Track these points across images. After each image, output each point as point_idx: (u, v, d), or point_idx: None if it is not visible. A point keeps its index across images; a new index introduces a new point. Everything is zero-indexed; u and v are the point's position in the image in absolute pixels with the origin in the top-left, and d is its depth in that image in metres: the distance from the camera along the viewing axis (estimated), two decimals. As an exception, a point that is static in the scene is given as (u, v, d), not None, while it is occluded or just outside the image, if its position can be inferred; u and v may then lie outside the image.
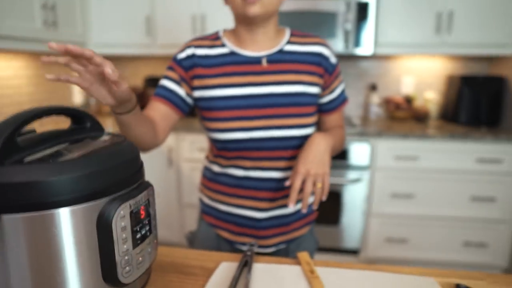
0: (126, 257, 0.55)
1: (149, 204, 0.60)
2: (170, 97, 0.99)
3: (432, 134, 2.23)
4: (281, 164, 1.01)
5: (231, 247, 1.10)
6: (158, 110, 0.98)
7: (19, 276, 0.49)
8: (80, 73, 0.69)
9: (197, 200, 2.49)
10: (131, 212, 0.55)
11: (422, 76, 2.83)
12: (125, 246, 0.54)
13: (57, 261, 0.50)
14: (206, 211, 1.13)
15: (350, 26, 2.33)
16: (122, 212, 0.53)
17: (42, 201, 0.48)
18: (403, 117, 2.69)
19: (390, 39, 2.44)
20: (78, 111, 0.64)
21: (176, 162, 2.49)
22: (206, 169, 1.13)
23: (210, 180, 1.10)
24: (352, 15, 2.32)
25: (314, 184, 0.88)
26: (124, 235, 0.54)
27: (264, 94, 0.97)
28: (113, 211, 0.52)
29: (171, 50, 2.64)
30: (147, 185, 0.60)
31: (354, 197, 2.33)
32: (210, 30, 2.57)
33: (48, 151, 0.55)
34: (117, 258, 0.54)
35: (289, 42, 1.02)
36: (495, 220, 2.29)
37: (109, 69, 0.65)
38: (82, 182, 0.50)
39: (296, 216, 1.08)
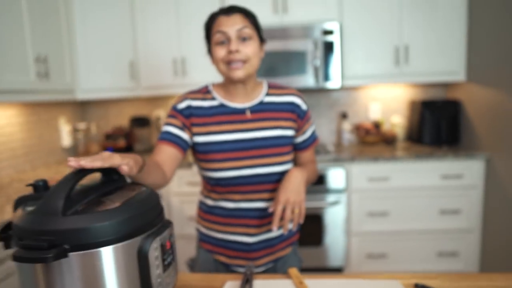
0: (159, 280, 0.71)
1: (171, 237, 0.76)
2: (176, 141, 1.16)
3: (400, 156, 2.46)
4: (265, 195, 1.20)
5: (227, 270, 1.26)
6: (166, 153, 1.14)
7: None
8: None
9: (188, 230, 2.62)
10: (161, 245, 0.71)
11: (387, 103, 3.10)
12: (157, 271, 0.70)
13: (107, 286, 0.66)
14: (203, 239, 1.29)
15: (318, 62, 2.58)
16: (155, 245, 0.69)
17: (96, 241, 0.64)
18: (373, 141, 2.93)
19: (355, 72, 2.70)
20: (109, 168, 0.81)
21: (166, 197, 2.63)
22: (201, 203, 1.30)
23: (205, 212, 1.27)
24: (320, 53, 2.57)
25: (293, 211, 1.06)
26: (157, 263, 0.70)
27: (249, 139, 1.17)
28: (148, 245, 0.68)
29: (154, 91, 2.82)
30: (169, 223, 0.76)
31: (334, 218, 2.52)
32: (190, 72, 2.78)
33: (92, 201, 0.71)
34: (153, 280, 0.69)
35: (267, 94, 1.23)
36: (463, 230, 2.52)
37: (122, 165, 0.78)
38: (124, 225, 0.67)
39: (280, 238, 1.26)
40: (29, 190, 1.96)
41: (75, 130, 3.07)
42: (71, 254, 0.63)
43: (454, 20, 2.62)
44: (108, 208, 0.68)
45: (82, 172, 0.71)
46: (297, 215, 1.07)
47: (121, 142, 3.05)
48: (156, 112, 3.21)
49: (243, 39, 1.11)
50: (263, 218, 1.21)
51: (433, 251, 2.54)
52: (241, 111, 1.19)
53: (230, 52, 1.10)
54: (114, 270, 0.66)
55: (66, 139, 2.96)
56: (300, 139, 1.27)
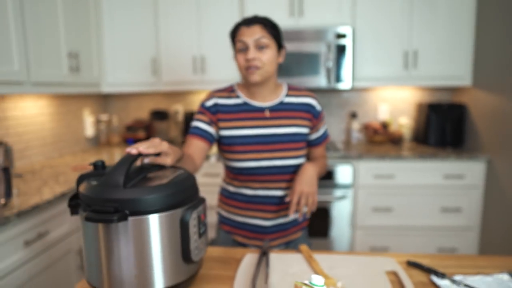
0: (195, 244, 0.87)
1: (204, 211, 0.92)
2: (204, 135, 1.33)
3: (405, 155, 2.60)
4: (281, 185, 1.36)
5: (244, 249, 1.42)
6: (196, 146, 1.31)
7: (131, 255, 0.81)
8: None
9: (207, 218, 2.78)
10: (198, 217, 0.87)
11: (395, 104, 3.23)
12: (195, 237, 0.87)
13: (154, 247, 0.82)
14: (224, 221, 1.46)
15: (331, 64, 2.72)
16: (194, 216, 0.86)
17: (148, 209, 0.81)
18: (381, 140, 3.07)
19: (365, 74, 2.84)
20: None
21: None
22: (223, 189, 1.47)
23: (227, 197, 1.44)
24: (333, 55, 2.72)
25: (307, 200, 1.23)
26: (194, 230, 0.86)
27: (268, 134, 1.33)
28: (188, 216, 0.85)
29: (174, 87, 2.99)
30: (203, 200, 0.92)
31: (341, 212, 2.67)
32: (209, 69, 2.94)
33: (144, 178, 0.88)
34: (191, 245, 0.86)
35: (287, 95, 1.38)
36: (463, 228, 2.65)
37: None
38: (170, 198, 0.83)
39: (293, 223, 1.43)
40: (64, 170, 2.16)
41: (98, 121, 3.26)
42: (129, 218, 0.79)
43: (462, 27, 2.74)
44: (158, 184, 0.84)
45: (138, 155, 0.87)
46: (311, 204, 1.23)
47: (141, 134, 3.23)
48: (174, 106, 3.38)
49: (260, 47, 1.26)
50: (279, 204, 1.37)
51: (433, 247, 2.68)
52: (262, 110, 1.35)
53: (247, 59, 1.26)
54: (161, 234, 0.82)
55: (89, 130, 3.15)
56: (314, 136, 1.43)
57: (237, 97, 1.37)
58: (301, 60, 2.75)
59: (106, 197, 0.80)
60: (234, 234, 1.43)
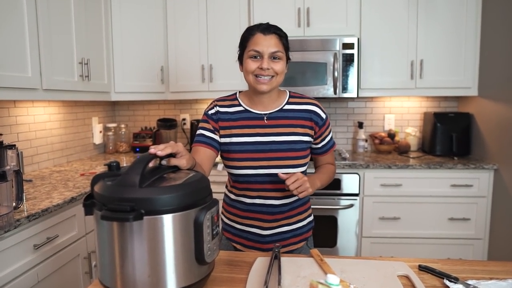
0: (208, 245, 0.87)
1: (217, 212, 0.93)
2: (210, 142, 1.34)
3: (412, 164, 2.60)
4: (278, 194, 1.35)
5: (256, 253, 1.42)
6: (204, 154, 1.32)
7: (145, 255, 0.81)
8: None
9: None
10: (211, 217, 0.88)
11: (402, 114, 3.24)
12: (208, 238, 0.87)
13: (168, 247, 0.83)
14: (225, 228, 1.47)
15: (337, 74, 2.74)
16: (208, 216, 0.86)
17: (163, 209, 0.81)
18: (387, 150, 3.07)
19: (372, 84, 2.86)
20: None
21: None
22: (226, 196, 1.48)
23: (228, 205, 1.46)
24: (339, 65, 2.74)
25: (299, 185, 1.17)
26: (208, 231, 0.87)
27: (266, 142, 1.32)
28: (202, 217, 0.85)
29: (182, 96, 3.02)
30: (217, 201, 0.93)
31: (348, 221, 2.66)
32: (216, 78, 2.97)
33: (159, 178, 0.89)
34: (204, 245, 0.86)
35: (288, 103, 1.37)
36: (471, 237, 2.63)
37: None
38: (184, 198, 0.84)
39: (292, 233, 1.40)
40: (72, 176, 2.18)
41: (106, 129, 3.29)
42: (145, 217, 0.80)
43: (467, 37, 2.76)
44: (173, 184, 0.85)
45: (153, 155, 0.89)
46: (302, 188, 1.17)
47: (148, 142, 3.25)
48: (182, 115, 3.41)
49: (274, 58, 1.28)
50: (276, 214, 1.36)
51: (441, 257, 2.66)
52: (261, 117, 1.35)
53: (261, 68, 1.26)
54: (175, 234, 0.83)
55: (97, 137, 3.18)
56: (320, 144, 1.41)
57: (239, 105, 1.38)
58: (308, 69, 2.77)
59: (122, 196, 0.81)
60: (234, 242, 1.43)
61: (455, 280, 0.96)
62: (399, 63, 2.83)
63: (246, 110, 1.36)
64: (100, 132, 3.21)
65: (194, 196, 0.86)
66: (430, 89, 2.83)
